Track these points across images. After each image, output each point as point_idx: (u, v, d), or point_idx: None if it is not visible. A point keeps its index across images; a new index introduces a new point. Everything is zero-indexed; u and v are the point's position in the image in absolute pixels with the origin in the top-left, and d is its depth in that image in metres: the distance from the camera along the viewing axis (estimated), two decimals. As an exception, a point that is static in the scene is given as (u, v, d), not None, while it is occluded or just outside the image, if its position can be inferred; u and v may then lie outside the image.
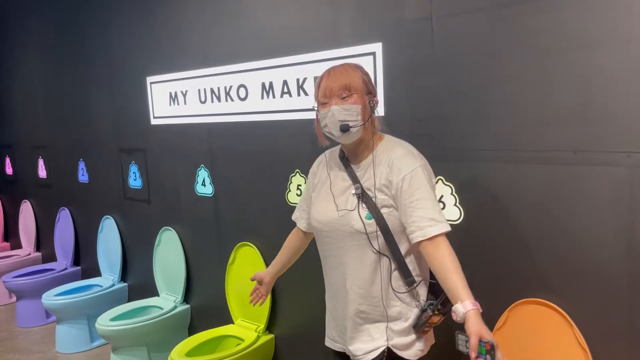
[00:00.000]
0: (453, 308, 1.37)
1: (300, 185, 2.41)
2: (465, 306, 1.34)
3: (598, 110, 1.52)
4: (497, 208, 1.77)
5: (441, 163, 1.89)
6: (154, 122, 3.20)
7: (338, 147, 1.68)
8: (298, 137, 2.38)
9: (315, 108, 1.58)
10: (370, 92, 1.55)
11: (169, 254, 3.24)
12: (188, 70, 2.88)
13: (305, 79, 2.30)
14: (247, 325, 2.74)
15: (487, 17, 1.72)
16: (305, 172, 2.38)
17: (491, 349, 1.29)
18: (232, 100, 2.67)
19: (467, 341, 1.33)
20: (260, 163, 2.60)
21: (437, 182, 1.91)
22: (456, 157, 1.85)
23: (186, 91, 2.92)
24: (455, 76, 1.82)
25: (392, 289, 1.53)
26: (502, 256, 1.79)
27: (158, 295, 3.33)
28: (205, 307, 3.11)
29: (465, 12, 1.77)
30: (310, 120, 2.29)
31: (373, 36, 2.03)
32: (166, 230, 3.22)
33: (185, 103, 2.94)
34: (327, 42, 2.20)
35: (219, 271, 2.91)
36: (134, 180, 3.43)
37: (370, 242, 1.51)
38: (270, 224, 2.61)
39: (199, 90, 2.83)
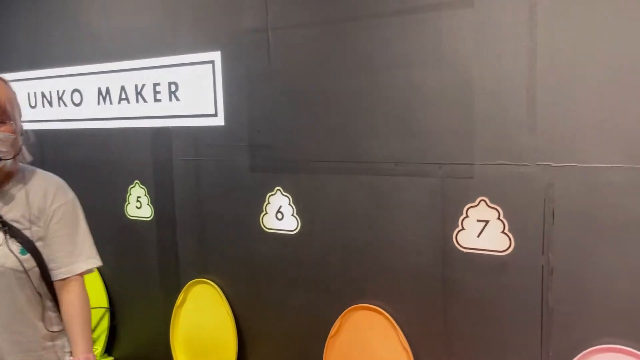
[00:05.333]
0: None
1: (140, 197, 2.29)
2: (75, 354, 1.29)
3: (416, 125, 1.62)
4: (330, 217, 1.82)
5: (279, 174, 1.90)
6: (-24, 127, 2.85)
7: None
8: (137, 145, 2.26)
9: None
10: (19, 115, 1.34)
11: None
12: (15, 71, 2.61)
13: (144, 86, 2.19)
14: (84, 349, 2.53)
15: (320, 32, 1.76)
16: (145, 183, 2.26)
17: None
18: (65, 105, 2.46)
19: None
20: (97, 173, 2.42)
21: (275, 193, 1.92)
22: (293, 168, 1.87)
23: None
24: (291, 88, 1.85)
25: (49, 332, 1.35)
26: (335, 264, 1.84)
27: None
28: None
29: (300, 25, 1.80)
30: (150, 129, 2.20)
31: (212, 45, 2.00)
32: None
33: (12, 107, 2.65)
34: (166, 49, 2.11)
35: (52, 292, 2.65)
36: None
37: (31, 280, 1.30)
38: (108, 239, 2.43)
39: (28, 93, 2.57)
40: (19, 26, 2.58)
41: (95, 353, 2.46)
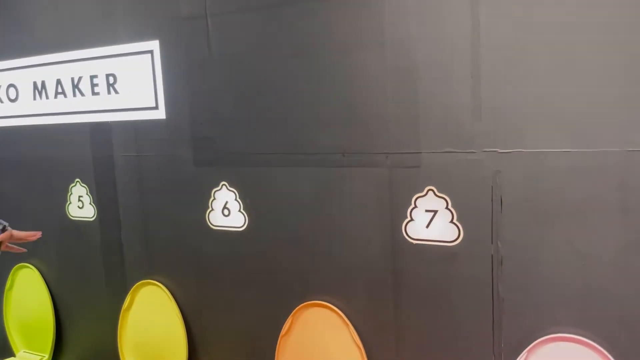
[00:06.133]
0: None
1: (81, 196, 2.17)
2: None
3: (361, 113, 1.56)
4: (278, 212, 1.75)
5: (224, 168, 1.82)
6: None
7: None
8: (77, 142, 2.14)
9: None
10: None
11: None
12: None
13: (80, 78, 2.07)
14: (30, 358, 2.41)
15: (260, 17, 1.68)
16: (86, 181, 2.14)
17: None
18: (1, 102, 2.31)
19: None
20: (36, 172, 2.29)
21: (221, 188, 1.84)
22: (238, 161, 1.79)
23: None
24: (232, 78, 1.76)
25: None
26: (284, 260, 1.77)
27: None
28: (-18, 342, 2.68)
29: (239, 10, 1.71)
30: (89, 124, 2.08)
31: (150, 33, 1.89)
32: None
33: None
34: (103, 39, 1.99)
35: (-5, 299, 2.51)
36: None
37: None
38: (50, 241, 2.31)
39: (-41, 89, 2.41)
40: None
41: (42, 361, 2.35)
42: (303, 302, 1.74)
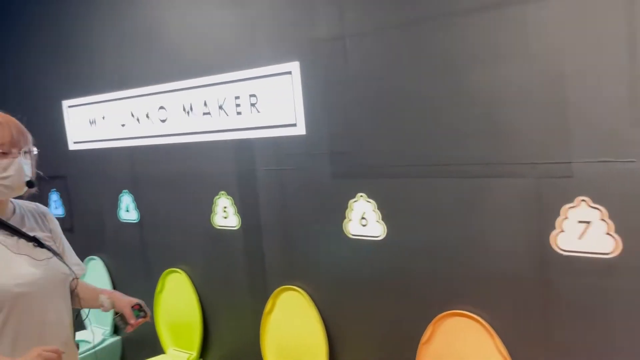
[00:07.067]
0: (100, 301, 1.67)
1: (226, 207, 2.36)
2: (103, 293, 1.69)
3: (505, 123, 1.56)
4: (417, 223, 1.79)
5: (362, 180, 1.90)
6: (73, 147, 3.05)
7: None
8: (220, 158, 2.33)
9: None
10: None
11: (95, 284, 3.07)
12: (105, 92, 2.77)
13: (225, 99, 2.25)
14: (179, 355, 2.64)
15: (397, 35, 1.74)
16: (231, 193, 2.33)
17: (141, 308, 1.68)
18: (152, 122, 2.58)
19: (121, 316, 1.67)
20: (184, 186, 2.52)
21: (357, 199, 1.91)
22: (376, 173, 1.86)
23: (105, 114, 2.80)
24: (370, 93, 1.83)
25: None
26: (423, 269, 1.80)
27: (85, 328, 3.15)
28: (136, 338, 2.97)
29: (376, 30, 1.78)
30: (233, 142, 2.26)
31: (290, 55, 2.02)
32: (91, 259, 3.07)
33: (104, 127, 2.82)
34: (245, 62, 2.16)
35: (147, 299, 2.78)
36: (55, 208, 3.25)
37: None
38: (197, 248, 2.53)
39: (118, 113, 2.72)
40: (106, 50, 2.74)
41: (190, 358, 2.56)
42: (443, 312, 1.76)
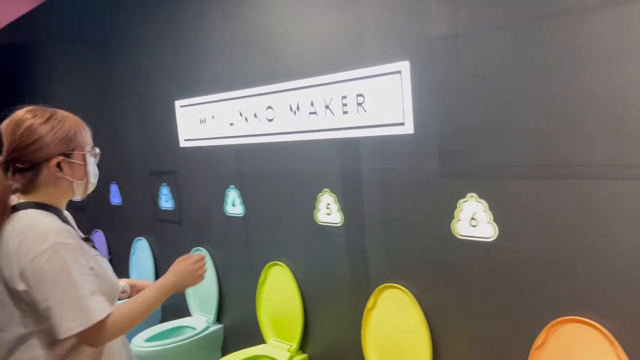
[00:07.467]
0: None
1: (329, 204, 2.42)
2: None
3: (634, 122, 1.49)
4: (532, 224, 1.75)
5: (473, 179, 1.88)
6: (183, 144, 3.26)
7: (48, 213, 1.39)
8: (325, 156, 2.39)
9: (91, 152, 1.51)
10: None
11: (200, 274, 3.26)
12: (215, 93, 2.93)
13: (331, 99, 2.31)
14: (279, 345, 2.74)
15: (514, 33, 1.71)
16: (334, 191, 2.39)
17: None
18: (259, 121, 2.70)
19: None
20: (288, 182, 2.62)
21: (467, 199, 1.90)
22: (489, 173, 1.83)
23: (214, 114, 2.96)
24: (483, 92, 1.81)
25: None
26: (537, 273, 1.75)
27: (190, 315, 3.36)
28: (237, 327, 3.12)
29: (492, 28, 1.76)
30: (338, 140, 2.32)
31: (399, 55, 2.04)
32: (197, 250, 3.25)
33: (213, 125, 2.99)
34: (352, 62, 2.21)
35: (250, 291, 2.92)
36: (165, 202, 3.48)
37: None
38: (300, 243, 2.62)
39: (226, 112, 2.87)
40: (215, 53, 2.90)
41: (290, 350, 2.65)
42: (556, 318, 1.71)
